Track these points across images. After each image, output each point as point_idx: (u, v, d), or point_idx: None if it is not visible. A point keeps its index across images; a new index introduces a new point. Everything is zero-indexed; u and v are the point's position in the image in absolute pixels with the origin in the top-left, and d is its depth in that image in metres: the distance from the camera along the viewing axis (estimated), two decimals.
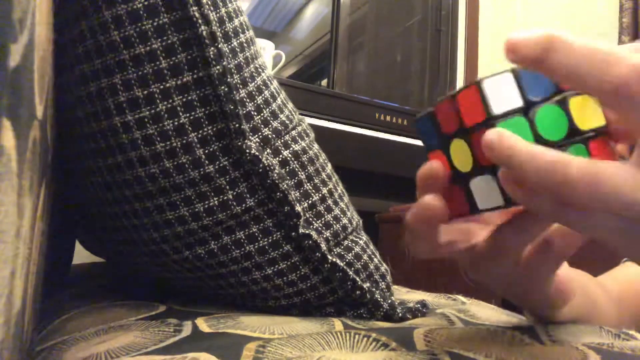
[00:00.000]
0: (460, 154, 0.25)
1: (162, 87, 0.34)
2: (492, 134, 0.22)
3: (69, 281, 0.58)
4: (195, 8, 0.33)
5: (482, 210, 0.25)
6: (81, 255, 0.67)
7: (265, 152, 0.36)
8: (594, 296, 0.38)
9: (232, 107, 0.34)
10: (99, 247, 0.55)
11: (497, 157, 0.22)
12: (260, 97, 0.37)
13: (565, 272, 0.33)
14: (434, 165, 0.25)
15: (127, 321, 0.36)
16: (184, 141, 0.34)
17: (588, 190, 0.20)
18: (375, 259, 0.41)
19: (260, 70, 0.38)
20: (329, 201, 0.40)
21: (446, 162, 0.26)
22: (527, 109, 0.23)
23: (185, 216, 0.36)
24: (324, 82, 1.83)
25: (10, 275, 0.17)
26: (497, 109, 0.23)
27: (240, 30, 0.37)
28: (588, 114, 0.23)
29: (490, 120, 0.23)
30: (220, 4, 0.35)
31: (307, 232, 0.37)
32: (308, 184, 0.38)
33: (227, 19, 0.36)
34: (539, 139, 0.23)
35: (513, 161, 0.21)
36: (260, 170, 0.35)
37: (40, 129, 0.23)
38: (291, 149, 0.38)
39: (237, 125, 0.35)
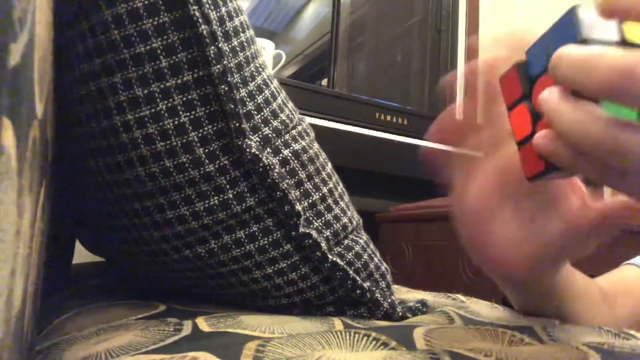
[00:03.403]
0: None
1: (162, 86, 0.34)
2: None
3: (69, 281, 0.58)
4: (195, 7, 0.33)
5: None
6: (81, 255, 0.67)
7: (266, 151, 0.36)
8: (577, 289, 0.40)
9: (232, 106, 0.34)
10: (99, 247, 0.55)
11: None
12: (261, 96, 0.37)
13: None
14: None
15: (127, 320, 0.36)
16: (184, 140, 0.34)
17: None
18: (375, 258, 0.41)
19: (260, 69, 0.38)
20: (329, 200, 0.40)
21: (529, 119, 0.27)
22: None
23: (185, 215, 0.36)
24: (324, 82, 1.83)
25: (10, 275, 0.17)
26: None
27: (240, 29, 0.37)
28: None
29: None
30: (221, 3, 0.35)
31: (307, 231, 0.37)
32: (308, 183, 0.38)
33: (227, 18, 0.36)
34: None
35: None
36: (261, 169, 0.35)
37: (40, 128, 0.23)
38: (291, 148, 0.38)
39: (237, 124, 0.35)
